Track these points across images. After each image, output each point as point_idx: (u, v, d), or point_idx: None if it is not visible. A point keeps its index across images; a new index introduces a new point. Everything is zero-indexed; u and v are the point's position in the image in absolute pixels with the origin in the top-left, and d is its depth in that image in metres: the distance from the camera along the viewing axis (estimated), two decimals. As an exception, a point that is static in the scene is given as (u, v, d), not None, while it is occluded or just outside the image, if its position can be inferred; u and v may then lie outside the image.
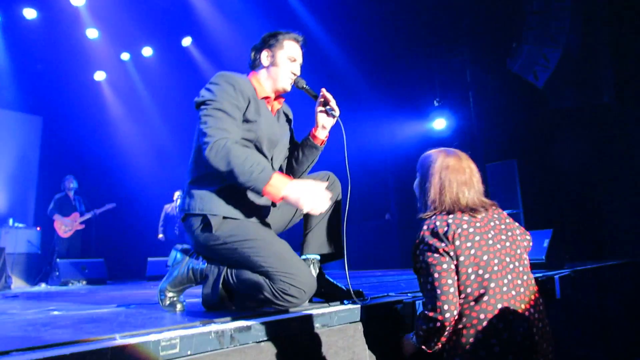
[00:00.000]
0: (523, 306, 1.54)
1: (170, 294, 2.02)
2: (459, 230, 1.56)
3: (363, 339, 1.78)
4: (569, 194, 6.90)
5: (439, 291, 1.53)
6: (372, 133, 8.43)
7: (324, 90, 2.14)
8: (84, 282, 6.49)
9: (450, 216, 1.61)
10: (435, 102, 7.91)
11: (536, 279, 3.31)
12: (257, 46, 2.18)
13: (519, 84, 7.48)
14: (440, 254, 1.55)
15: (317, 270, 2.15)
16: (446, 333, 1.56)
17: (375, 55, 8.55)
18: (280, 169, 2.21)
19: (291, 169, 2.23)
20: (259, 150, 2.02)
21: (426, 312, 1.57)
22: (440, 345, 1.60)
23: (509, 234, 1.65)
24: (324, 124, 2.17)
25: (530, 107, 7.63)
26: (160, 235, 8.32)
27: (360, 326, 1.77)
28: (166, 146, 10.12)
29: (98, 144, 9.50)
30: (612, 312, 4.75)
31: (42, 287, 6.63)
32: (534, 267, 4.52)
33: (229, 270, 1.93)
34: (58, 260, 6.75)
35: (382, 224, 8.37)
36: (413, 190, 1.84)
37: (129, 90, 9.68)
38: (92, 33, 8.41)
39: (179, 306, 2.01)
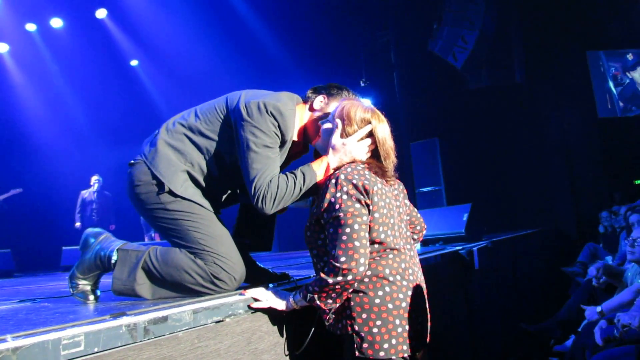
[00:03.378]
0: (419, 276, 1.65)
1: (81, 282, 1.86)
2: (375, 187, 1.57)
3: (288, 322, 1.74)
4: (486, 170, 7.31)
5: (357, 243, 1.45)
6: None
7: None
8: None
9: (366, 172, 1.60)
10: (361, 82, 7.99)
11: (457, 251, 3.47)
12: (319, 87, 2.06)
13: (440, 65, 7.74)
14: (362, 205, 1.51)
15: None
16: (351, 290, 1.50)
17: (302, 35, 8.46)
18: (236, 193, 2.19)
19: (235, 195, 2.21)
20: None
21: (337, 264, 1.44)
22: (337, 304, 1.51)
23: (405, 212, 1.74)
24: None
25: (450, 87, 7.94)
26: (78, 224, 7.84)
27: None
28: (80, 126, 9.44)
29: (0, 123, 8.67)
30: (524, 277, 5.12)
31: (-61, 283, 6.00)
32: (454, 240, 4.74)
33: (151, 252, 1.83)
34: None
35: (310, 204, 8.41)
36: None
37: (36, 64, 8.87)
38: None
39: (91, 297, 1.86)
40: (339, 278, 1.45)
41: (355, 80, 8.25)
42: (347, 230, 1.47)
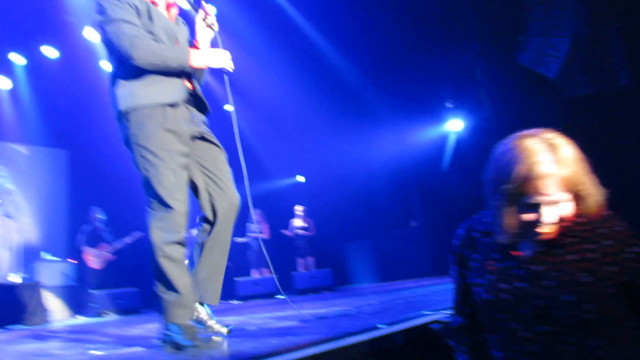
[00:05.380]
0: None
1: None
2: None
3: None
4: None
5: None
6: (389, 141, 8.41)
7: (204, 3, 2.29)
8: (118, 313, 6.59)
9: None
10: (447, 104, 7.87)
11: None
12: None
13: (531, 77, 7.42)
14: None
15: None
16: None
17: (381, 63, 8.56)
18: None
19: None
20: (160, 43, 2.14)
21: None
22: None
23: None
24: (204, 36, 2.31)
25: (545, 98, 7.55)
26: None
27: (394, 352, 1.71)
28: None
29: (125, 173, 9.62)
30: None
31: (79, 319, 6.78)
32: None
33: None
34: (92, 291, 6.90)
35: (408, 232, 8.26)
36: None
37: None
38: (108, 66, 8.66)
39: (224, 330, 2.04)
40: None
41: (442, 100, 8.16)
42: None
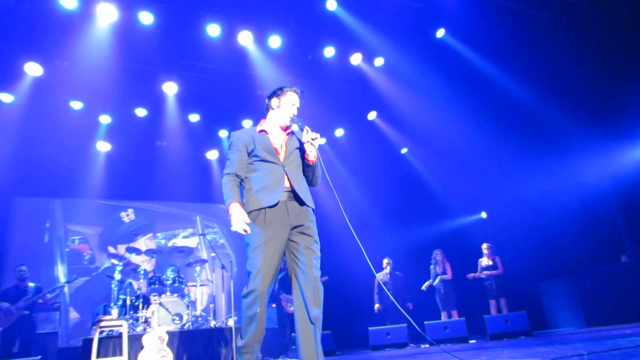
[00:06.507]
0: None
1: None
2: None
3: None
4: None
5: None
6: (587, 167, 7.58)
7: (307, 127, 2.85)
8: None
9: None
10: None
11: None
12: (269, 95, 2.98)
13: None
14: None
15: None
16: None
17: (569, 84, 7.82)
18: (304, 174, 2.98)
19: (305, 177, 2.97)
20: (265, 160, 2.82)
21: None
22: None
23: None
24: (310, 149, 2.87)
25: None
26: (377, 305, 8.47)
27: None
28: (367, 216, 10.64)
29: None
30: None
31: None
32: None
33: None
34: (293, 334, 7.46)
35: (619, 268, 7.12)
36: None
37: (328, 168, 10.63)
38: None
39: None
40: None
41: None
42: None
